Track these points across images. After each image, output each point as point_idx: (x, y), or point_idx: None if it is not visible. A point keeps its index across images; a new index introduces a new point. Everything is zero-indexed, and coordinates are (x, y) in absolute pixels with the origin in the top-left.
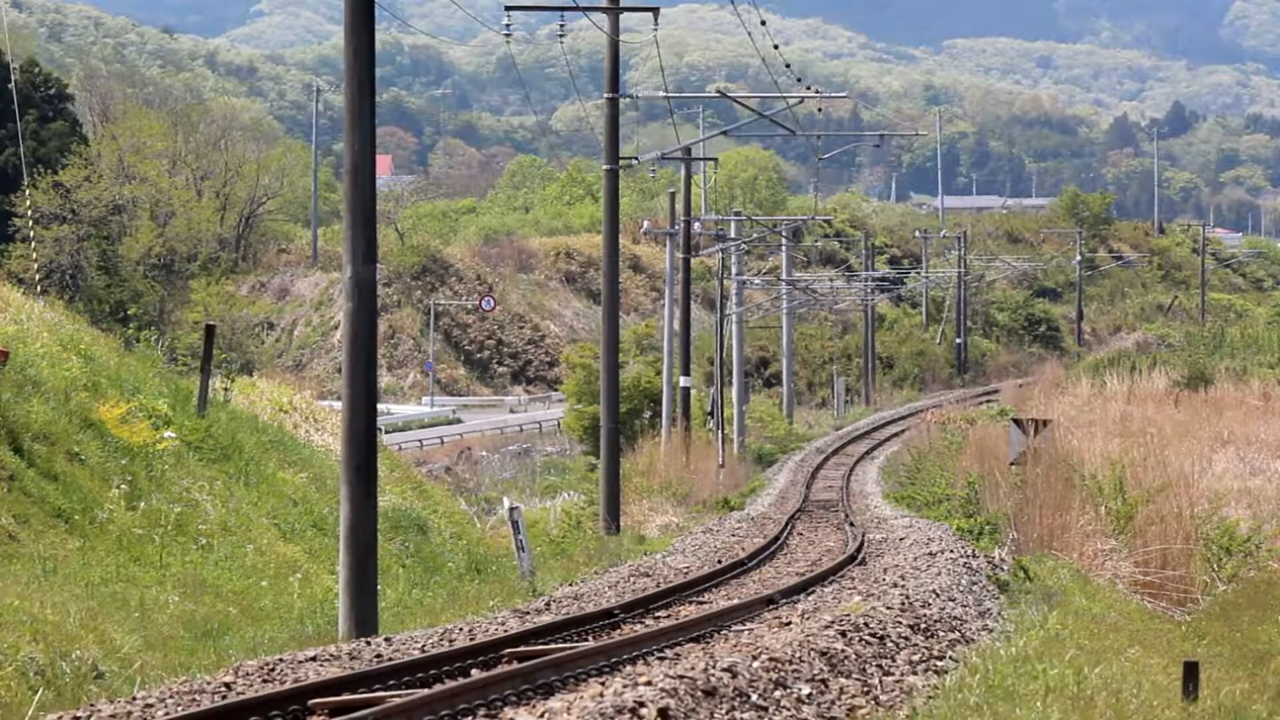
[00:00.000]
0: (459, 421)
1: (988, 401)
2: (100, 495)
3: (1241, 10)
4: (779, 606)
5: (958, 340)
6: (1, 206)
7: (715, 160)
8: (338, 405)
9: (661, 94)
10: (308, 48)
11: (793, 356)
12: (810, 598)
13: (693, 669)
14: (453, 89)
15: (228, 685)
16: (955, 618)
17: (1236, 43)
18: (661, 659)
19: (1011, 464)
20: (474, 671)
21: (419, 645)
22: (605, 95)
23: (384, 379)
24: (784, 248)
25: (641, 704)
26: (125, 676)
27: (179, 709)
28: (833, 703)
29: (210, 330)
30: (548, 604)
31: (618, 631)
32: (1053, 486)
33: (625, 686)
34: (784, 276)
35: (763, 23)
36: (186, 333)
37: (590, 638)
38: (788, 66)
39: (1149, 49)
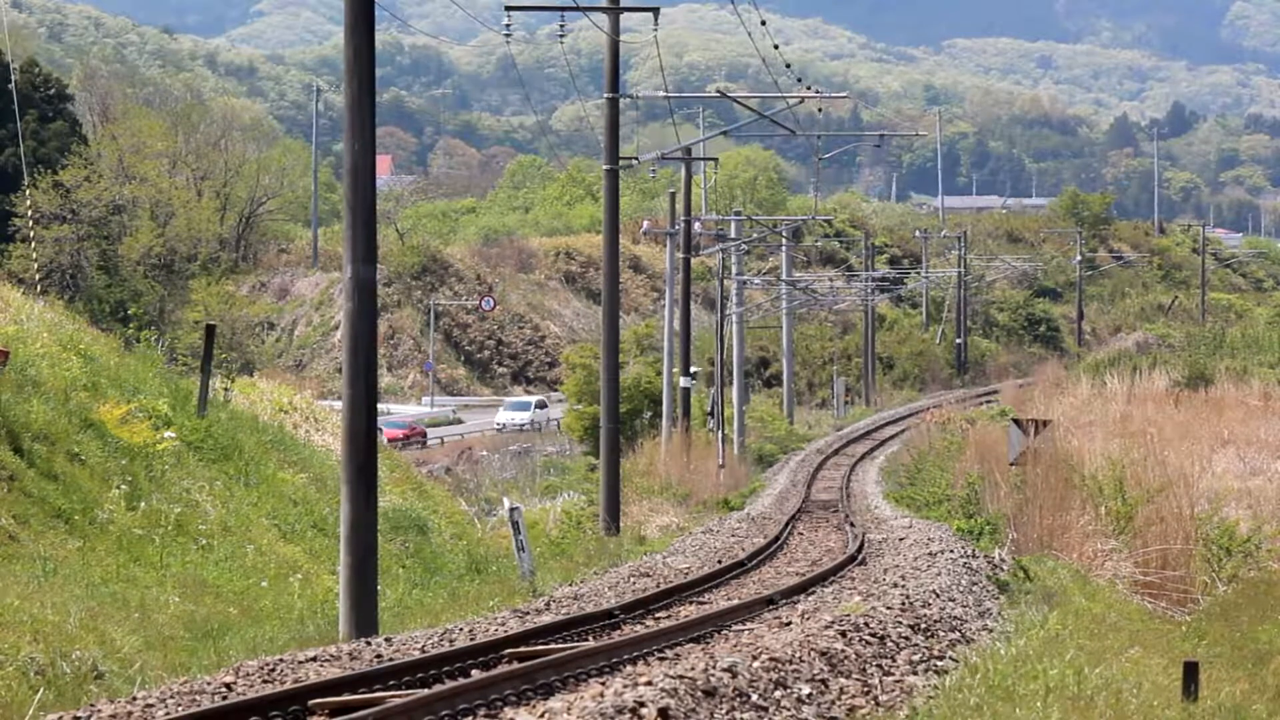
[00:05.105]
0: (459, 421)
1: (988, 402)
2: (100, 495)
3: (1241, 10)
4: (779, 607)
5: (958, 340)
6: (1, 206)
7: (715, 160)
8: (338, 405)
9: (661, 94)
10: (308, 48)
11: (793, 356)
12: (810, 598)
13: (693, 669)
14: (453, 89)
15: (228, 685)
16: (955, 618)
17: (1236, 43)
18: (661, 659)
19: (1011, 464)
20: (474, 672)
21: (419, 645)
22: (605, 95)
23: (384, 379)
24: (784, 248)
25: (642, 704)
26: (125, 676)
27: (179, 709)
28: (833, 703)
29: (210, 330)
30: (548, 604)
31: (618, 632)
32: (1053, 487)
33: (625, 686)
34: (784, 276)
35: (763, 23)
36: (186, 333)
37: (590, 638)
38: (788, 66)
39: (1149, 49)
